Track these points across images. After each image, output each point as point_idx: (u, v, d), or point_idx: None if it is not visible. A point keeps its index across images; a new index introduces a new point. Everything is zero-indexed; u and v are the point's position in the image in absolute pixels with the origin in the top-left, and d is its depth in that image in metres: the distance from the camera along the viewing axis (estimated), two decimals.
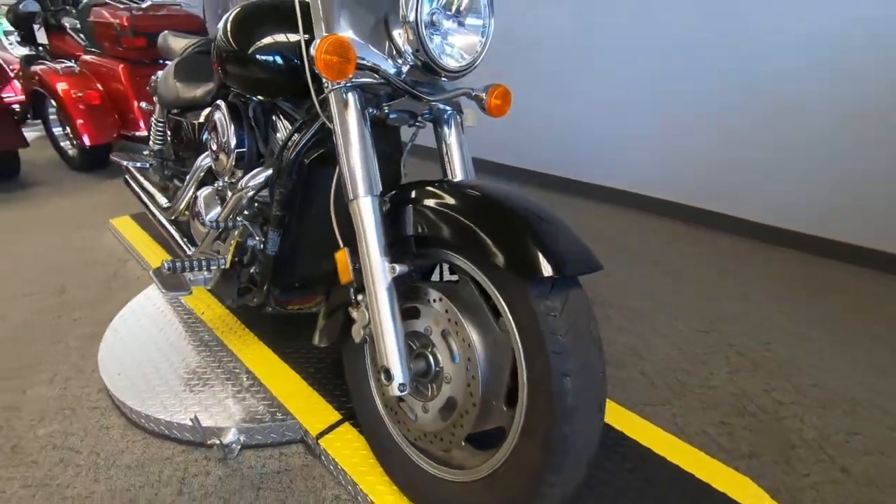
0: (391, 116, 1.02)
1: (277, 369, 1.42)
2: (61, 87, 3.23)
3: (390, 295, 0.89)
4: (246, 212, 1.24)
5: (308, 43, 0.91)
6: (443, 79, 1.04)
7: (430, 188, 0.93)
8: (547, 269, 0.76)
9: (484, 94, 1.09)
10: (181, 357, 1.48)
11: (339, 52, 0.82)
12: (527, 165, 3.48)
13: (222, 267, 1.28)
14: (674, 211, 2.83)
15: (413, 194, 0.94)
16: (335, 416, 1.27)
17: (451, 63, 0.99)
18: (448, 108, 1.10)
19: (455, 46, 1.00)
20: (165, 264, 1.22)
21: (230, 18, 1.11)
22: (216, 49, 1.14)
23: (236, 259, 1.28)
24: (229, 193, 1.27)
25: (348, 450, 1.18)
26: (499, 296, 0.85)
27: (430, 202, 0.90)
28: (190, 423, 1.22)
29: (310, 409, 1.28)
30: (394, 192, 0.97)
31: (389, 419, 1.11)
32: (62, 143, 3.64)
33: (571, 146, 3.23)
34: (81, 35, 3.66)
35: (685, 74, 2.63)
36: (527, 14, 3.14)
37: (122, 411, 1.35)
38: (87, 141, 3.20)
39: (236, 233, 1.24)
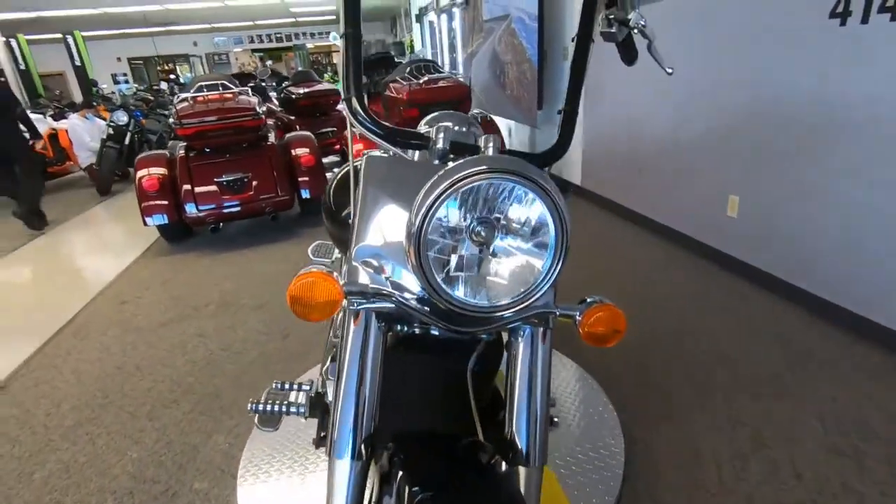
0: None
1: None
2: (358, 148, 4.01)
3: None
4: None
5: None
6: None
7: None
8: None
9: (578, 316, 0.73)
10: None
11: (302, 292, 0.64)
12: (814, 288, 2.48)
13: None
14: None
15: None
16: None
17: (480, 301, 0.65)
18: (524, 324, 0.78)
19: (494, 275, 0.66)
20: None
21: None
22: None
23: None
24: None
25: None
26: None
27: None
28: None
29: None
30: (392, 444, 0.73)
31: None
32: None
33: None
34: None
35: None
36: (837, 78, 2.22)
37: None
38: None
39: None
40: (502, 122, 5.49)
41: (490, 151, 0.81)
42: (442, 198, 0.60)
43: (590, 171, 4.01)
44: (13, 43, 10.03)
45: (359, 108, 0.79)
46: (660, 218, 3.18)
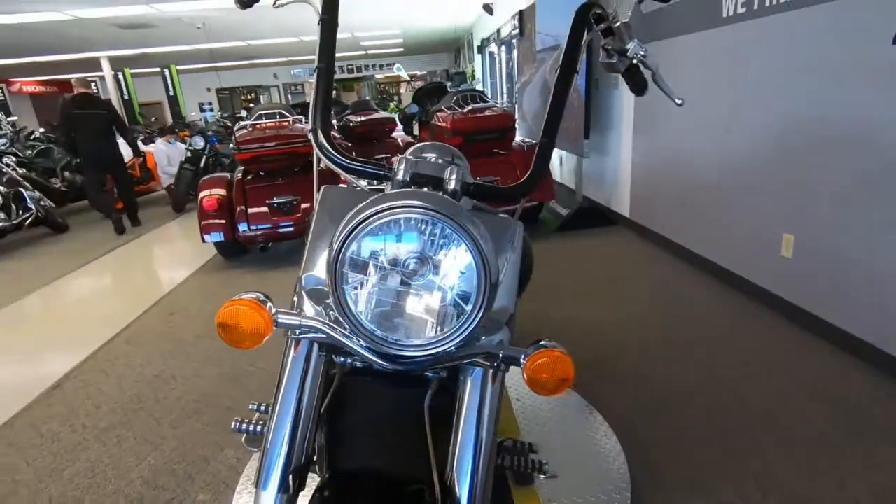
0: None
1: None
2: None
3: None
4: None
5: None
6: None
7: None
8: None
9: (523, 360, 0.68)
10: None
11: (232, 319, 0.65)
12: None
13: None
14: None
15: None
16: None
17: (398, 337, 0.64)
18: (487, 364, 0.74)
19: (413, 312, 0.64)
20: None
21: None
22: None
23: None
24: None
25: None
26: None
27: None
28: None
29: None
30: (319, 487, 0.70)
31: None
32: None
33: None
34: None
35: None
36: None
37: None
38: None
39: None
40: (554, 152, 5.43)
41: (452, 185, 0.79)
42: (357, 230, 0.59)
43: (638, 204, 3.85)
44: (120, 76, 11.32)
45: (324, 140, 0.81)
46: (709, 254, 2.98)
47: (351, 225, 0.60)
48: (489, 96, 6.16)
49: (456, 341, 0.63)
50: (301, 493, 0.71)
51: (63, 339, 2.93)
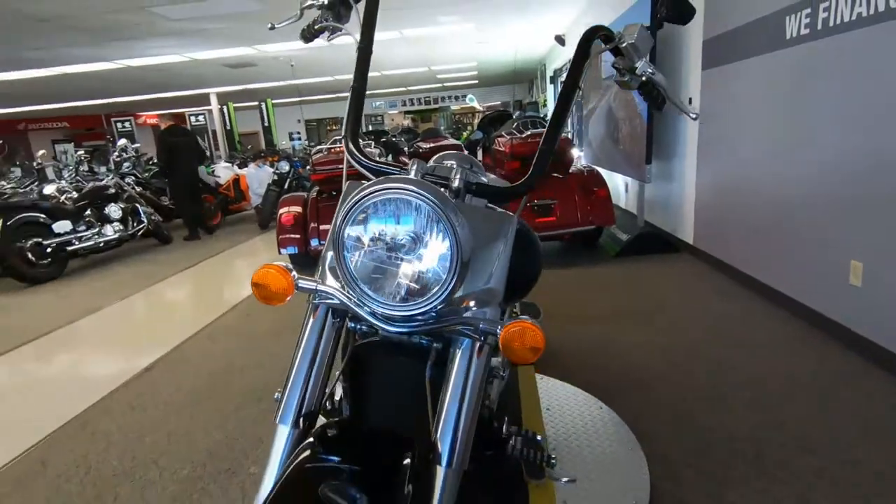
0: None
1: None
2: None
3: None
4: None
5: None
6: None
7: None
8: None
9: (499, 331, 0.78)
10: None
11: (262, 280, 0.80)
12: None
13: None
14: None
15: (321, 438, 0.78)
16: None
17: (386, 300, 0.77)
18: (461, 337, 0.84)
19: (399, 279, 0.76)
20: None
21: None
22: None
23: None
24: None
25: None
26: None
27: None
28: None
29: None
30: (319, 427, 0.83)
31: None
32: None
33: None
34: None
35: None
36: None
37: None
38: None
39: None
40: (620, 178, 5.38)
41: (456, 183, 0.93)
42: (354, 207, 0.73)
43: (702, 231, 3.72)
44: (224, 109, 12.73)
45: (352, 146, 0.98)
46: (776, 283, 2.82)
47: (349, 202, 0.74)
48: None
49: (434, 303, 0.75)
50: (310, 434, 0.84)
51: (156, 332, 3.36)
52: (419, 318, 0.79)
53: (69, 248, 5.04)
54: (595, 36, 1.06)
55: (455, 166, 1.01)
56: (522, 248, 1.09)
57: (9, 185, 6.03)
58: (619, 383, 2.11)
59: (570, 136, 4.17)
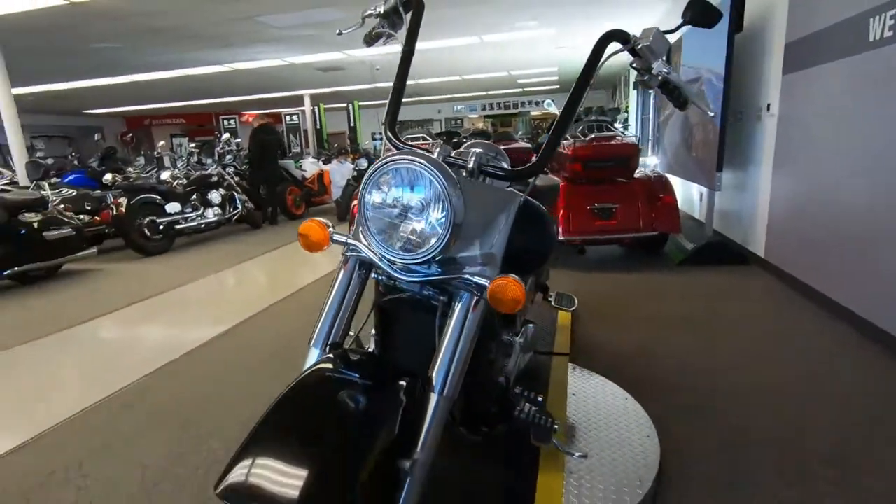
0: (407, 290, 1.07)
1: None
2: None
3: None
4: None
5: None
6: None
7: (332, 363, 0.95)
8: None
9: (488, 284, 0.93)
10: None
11: (306, 231, 1.02)
12: None
13: None
14: None
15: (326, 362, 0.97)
16: None
17: (396, 250, 0.96)
18: (463, 290, 1.00)
19: (406, 234, 0.94)
20: None
21: None
22: None
23: None
24: None
25: None
26: None
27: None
28: None
29: None
30: (342, 350, 1.03)
31: None
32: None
33: None
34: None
35: None
36: None
37: None
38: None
39: None
40: (695, 188, 5.19)
41: (470, 164, 1.10)
42: (374, 173, 0.92)
43: (775, 244, 3.54)
44: (315, 110, 13.72)
45: (390, 133, 1.19)
46: (863, 310, 2.56)
47: (371, 169, 0.93)
48: (631, 129, 6.14)
49: (432, 254, 0.92)
50: None
51: (238, 303, 3.80)
52: (424, 269, 0.97)
53: (177, 227, 5.78)
54: (611, 38, 1.17)
55: (476, 152, 1.18)
56: (532, 225, 1.23)
57: (134, 171, 6.99)
58: (657, 386, 2.14)
59: (636, 140, 4.12)
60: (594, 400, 1.88)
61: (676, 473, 1.54)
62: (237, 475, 0.74)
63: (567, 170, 3.97)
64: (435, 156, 1.10)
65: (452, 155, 1.14)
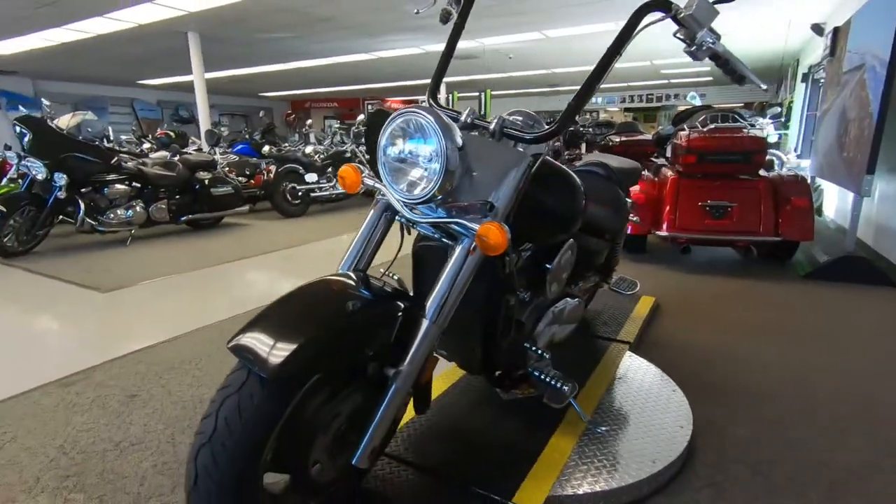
0: (420, 228, 1.24)
1: None
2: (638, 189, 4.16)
3: None
4: None
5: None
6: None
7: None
8: None
9: (476, 227, 1.05)
10: None
11: (343, 174, 1.21)
12: None
13: None
14: None
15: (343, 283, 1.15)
16: None
17: (404, 192, 1.13)
18: (464, 233, 1.11)
19: (410, 177, 1.10)
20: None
21: None
22: None
23: None
24: None
25: None
26: None
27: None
28: None
29: None
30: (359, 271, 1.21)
31: None
32: None
33: None
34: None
35: None
36: None
37: None
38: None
39: None
40: (851, 194, 4.47)
41: (492, 126, 1.22)
42: (389, 123, 1.10)
43: None
44: (449, 98, 14.32)
45: (431, 99, 1.35)
46: None
47: (387, 122, 1.11)
48: (769, 127, 5.45)
49: (429, 193, 1.07)
50: None
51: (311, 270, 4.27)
52: (430, 212, 1.14)
53: (312, 195, 6.60)
54: (651, 6, 1.17)
55: (502, 116, 1.27)
56: (553, 187, 1.30)
57: (287, 145, 8.10)
58: (710, 387, 2.01)
59: (760, 136, 3.69)
60: (638, 384, 1.86)
61: (706, 471, 1.48)
62: (242, 337, 0.98)
63: (681, 162, 3.72)
64: (463, 118, 1.23)
65: (477, 118, 1.25)
